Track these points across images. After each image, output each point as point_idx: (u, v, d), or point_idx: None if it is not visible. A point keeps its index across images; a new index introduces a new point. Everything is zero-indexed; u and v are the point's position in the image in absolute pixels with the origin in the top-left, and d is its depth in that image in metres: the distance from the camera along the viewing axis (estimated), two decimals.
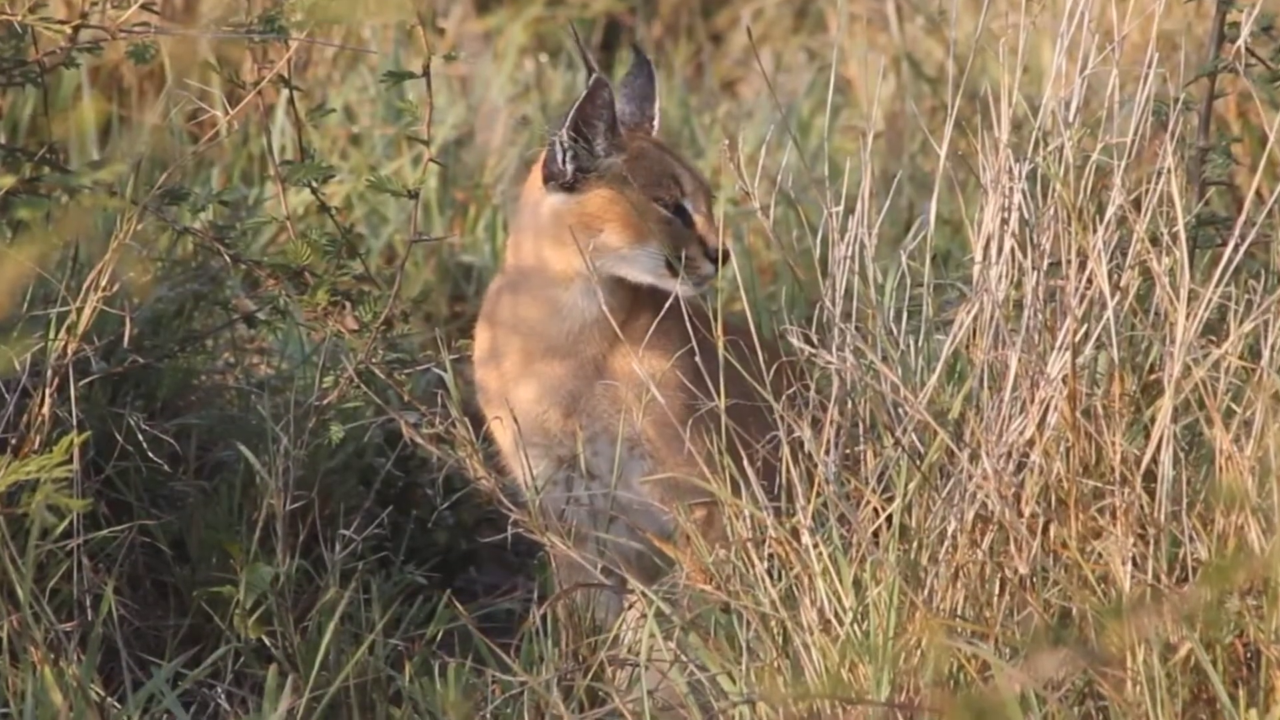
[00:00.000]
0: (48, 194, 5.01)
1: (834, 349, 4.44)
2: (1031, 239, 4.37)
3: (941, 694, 4.06)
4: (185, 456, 5.31)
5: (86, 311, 4.93)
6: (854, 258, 4.52)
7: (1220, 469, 4.15)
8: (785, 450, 4.36)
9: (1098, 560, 4.13)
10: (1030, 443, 4.24)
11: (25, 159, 5.03)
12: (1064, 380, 4.24)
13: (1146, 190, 4.33)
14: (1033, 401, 4.25)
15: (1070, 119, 4.41)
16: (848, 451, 4.44)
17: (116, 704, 4.65)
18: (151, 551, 5.23)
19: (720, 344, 4.49)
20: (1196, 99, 5.04)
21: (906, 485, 4.26)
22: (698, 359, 4.62)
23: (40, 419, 4.90)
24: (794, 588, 4.27)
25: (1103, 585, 4.12)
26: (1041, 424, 4.24)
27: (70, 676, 4.50)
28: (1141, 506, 4.16)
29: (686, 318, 4.67)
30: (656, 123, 4.86)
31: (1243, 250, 4.27)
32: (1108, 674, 4.01)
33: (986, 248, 4.41)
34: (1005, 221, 4.39)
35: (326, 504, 5.25)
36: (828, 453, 4.41)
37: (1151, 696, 4.00)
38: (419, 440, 4.81)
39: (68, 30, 4.94)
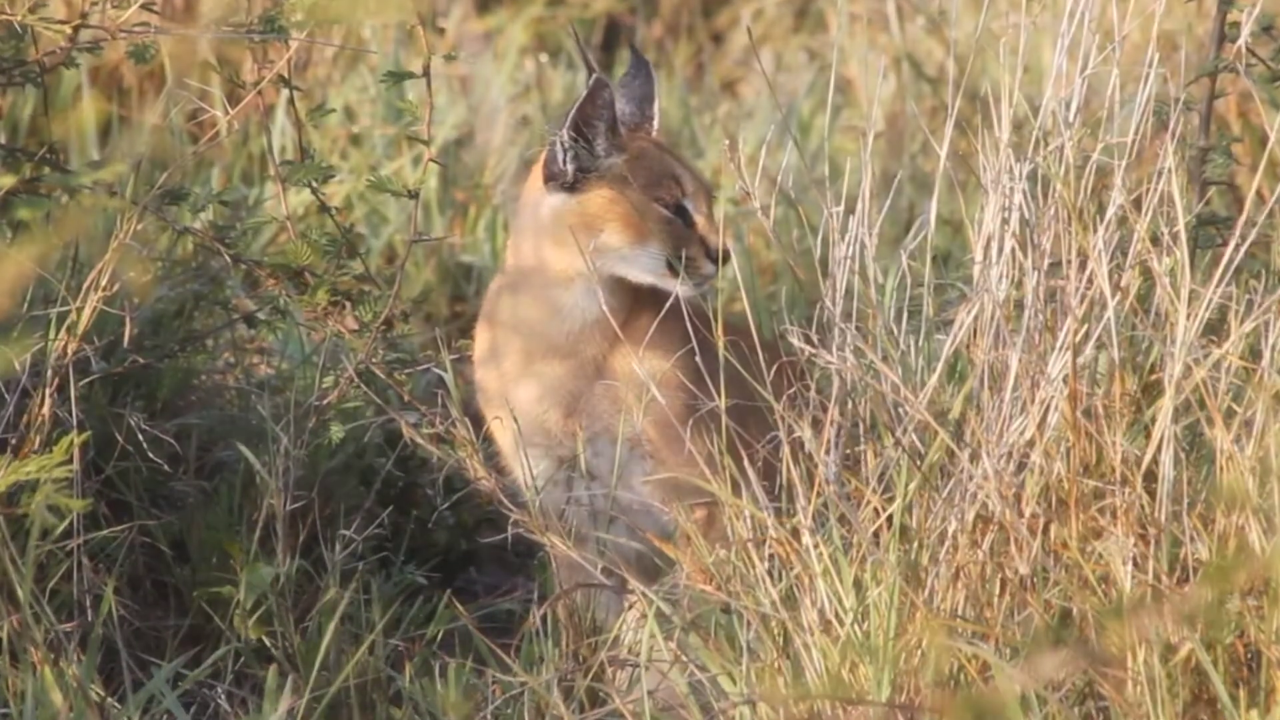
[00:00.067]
0: (48, 194, 5.01)
1: (834, 349, 4.44)
2: (1032, 239, 4.37)
3: (942, 694, 4.05)
4: (185, 456, 5.31)
5: (86, 311, 4.93)
6: (854, 258, 4.52)
7: (1221, 469, 4.15)
8: (786, 450, 4.36)
9: (1098, 560, 4.13)
10: (1031, 443, 4.24)
11: (25, 159, 5.03)
12: (1064, 380, 4.23)
13: (1147, 190, 4.33)
14: (1033, 402, 4.25)
15: (1071, 119, 4.41)
16: (848, 451, 4.44)
17: (116, 704, 4.65)
18: (151, 552, 5.23)
19: (721, 344, 4.49)
20: (1197, 99, 5.04)
21: (907, 485, 4.26)
22: (698, 359, 4.62)
23: (40, 419, 4.90)
24: (794, 588, 4.26)
25: (1103, 585, 4.12)
26: (1042, 424, 4.23)
27: (70, 677, 4.50)
28: (1142, 507, 4.16)
29: (687, 318, 4.67)
30: (656, 123, 4.86)
31: (1243, 250, 4.27)
32: (1108, 674, 4.01)
33: (987, 248, 4.41)
34: (1006, 221, 4.39)
35: (327, 504, 5.25)
36: (828, 453, 4.41)
37: (1152, 697, 4.00)
38: (419, 440, 4.81)
39: (68, 30, 4.94)
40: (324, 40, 5.52)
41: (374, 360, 5.09)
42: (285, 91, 5.13)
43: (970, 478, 4.23)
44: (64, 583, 4.85)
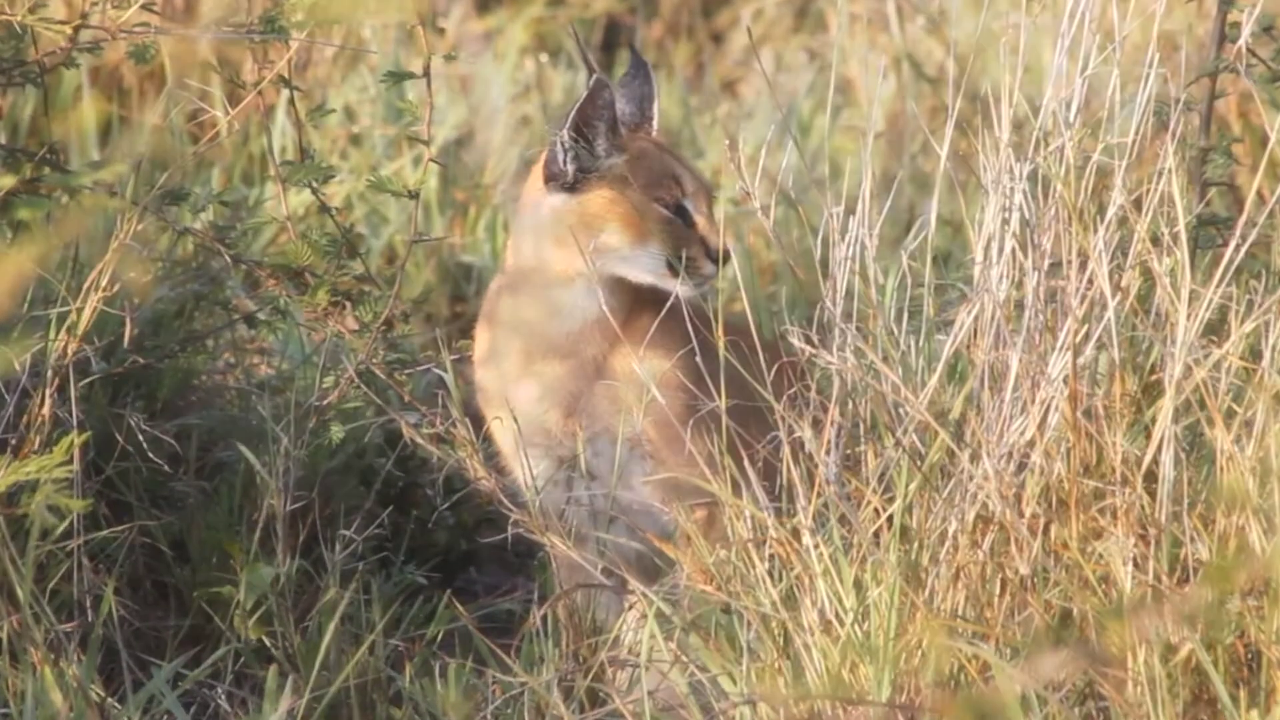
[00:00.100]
0: (48, 194, 5.01)
1: (835, 349, 4.44)
2: (1032, 239, 4.37)
3: (942, 694, 4.05)
4: (185, 457, 5.31)
5: (87, 312, 4.93)
6: (854, 258, 4.51)
7: (1221, 469, 4.15)
8: (786, 451, 4.36)
9: (1099, 561, 4.12)
10: (1031, 443, 4.24)
11: (25, 159, 5.03)
12: (1065, 381, 4.23)
13: (1147, 191, 4.33)
14: (1033, 402, 4.25)
15: (1071, 119, 4.41)
16: (848, 452, 4.44)
17: (116, 704, 4.65)
18: (152, 552, 5.23)
19: (721, 344, 4.49)
20: (1197, 99, 5.03)
21: (907, 485, 4.26)
22: (698, 359, 4.62)
23: (40, 419, 4.90)
24: (795, 588, 4.26)
25: (1104, 586, 4.12)
26: (1042, 424, 4.23)
27: (70, 677, 4.50)
28: (1142, 507, 4.16)
29: (687, 318, 4.67)
30: (656, 123, 4.86)
31: (1244, 251, 4.27)
32: (1108, 674, 4.01)
33: (987, 248, 4.41)
34: (1006, 222, 4.39)
35: (327, 504, 5.25)
36: (828, 453, 4.41)
37: (1152, 697, 4.00)
38: (419, 440, 4.81)
39: (68, 30, 4.94)
40: (324, 41, 5.51)
41: (374, 360, 5.09)
42: (285, 92, 5.13)
43: (970, 478, 4.23)
44: (64, 583, 4.84)
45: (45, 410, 4.90)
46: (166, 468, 5.20)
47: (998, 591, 4.20)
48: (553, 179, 4.74)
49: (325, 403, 5.16)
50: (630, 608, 4.78)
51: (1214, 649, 4.02)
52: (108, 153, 7.17)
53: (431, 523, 5.70)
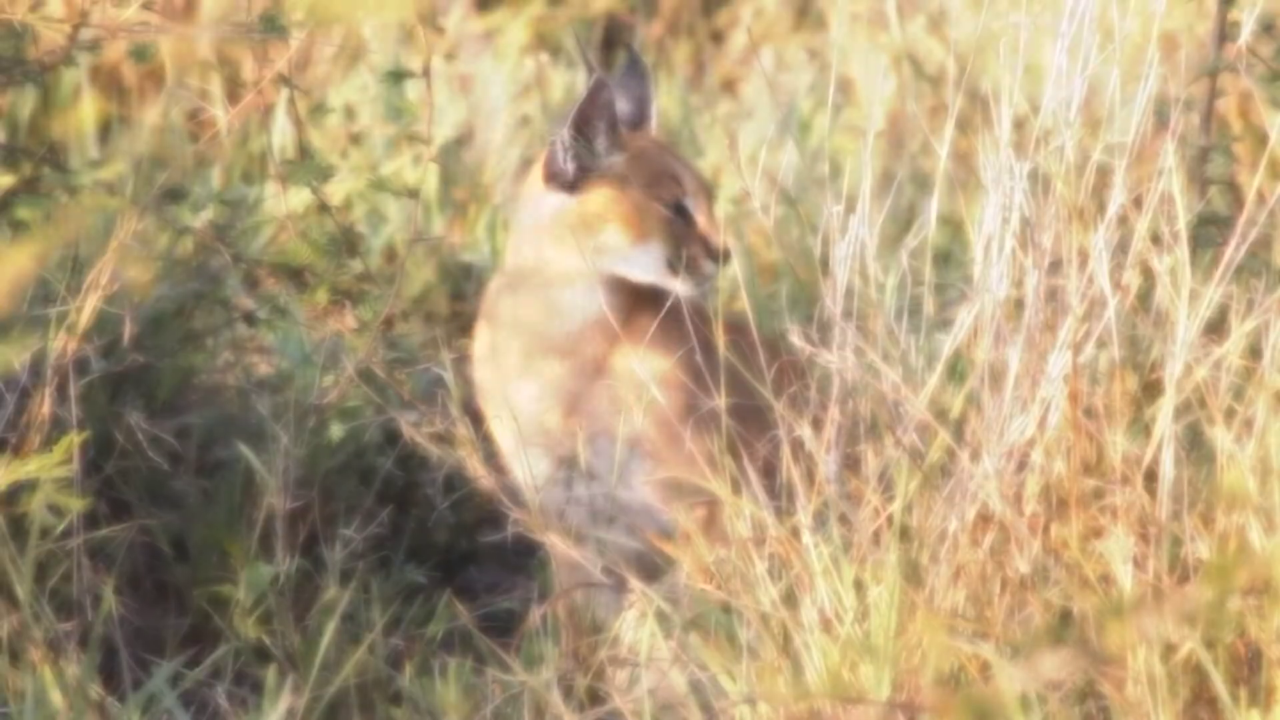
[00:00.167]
0: (47, 193, 5.01)
1: (835, 348, 4.44)
2: (1032, 238, 4.37)
3: (942, 693, 4.05)
4: (185, 456, 5.31)
5: (86, 311, 4.92)
6: (855, 257, 4.51)
7: (1222, 468, 4.14)
8: (786, 450, 4.36)
9: (1099, 560, 4.12)
10: (1031, 442, 4.24)
11: (25, 158, 5.03)
12: (1065, 379, 4.23)
13: (1147, 190, 4.32)
14: (1034, 401, 4.25)
15: (1071, 118, 4.40)
16: (848, 451, 4.44)
17: (116, 703, 4.65)
18: (151, 551, 5.23)
19: (721, 344, 4.49)
20: (1198, 98, 5.03)
21: (907, 485, 4.26)
22: (698, 358, 4.62)
23: (40, 418, 4.90)
24: (794, 587, 4.26)
25: (1104, 585, 4.12)
26: (1042, 423, 4.23)
27: (70, 676, 4.50)
28: (1143, 506, 4.16)
29: (687, 317, 4.67)
30: (654, 122, 4.86)
31: (1244, 249, 4.27)
32: (1109, 673, 4.01)
33: (987, 247, 4.41)
34: (1006, 220, 4.39)
35: (326, 503, 5.25)
36: (828, 452, 4.41)
37: (1152, 696, 4.00)
38: (419, 440, 4.81)
39: (67, 29, 4.94)
40: (324, 40, 5.51)
41: (374, 359, 5.09)
42: (285, 90, 5.13)
43: (970, 477, 4.23)
44: (64, 582, 4.84)
45: (45, 409, 4.90)
46: (166, 467, 5.20)
47: (998, 590, 4.20)
48: (553, 178, 4.74)
49: (325, 402, 5.16)
50: (630, 606, 4.78)
51: (1214, 648, 4.02)
52: (107, 152, 7.17)
53: (431, 522, 5.70)
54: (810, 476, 4.33)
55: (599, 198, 4.72)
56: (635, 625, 4.68)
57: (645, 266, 4.71)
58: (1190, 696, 4.03)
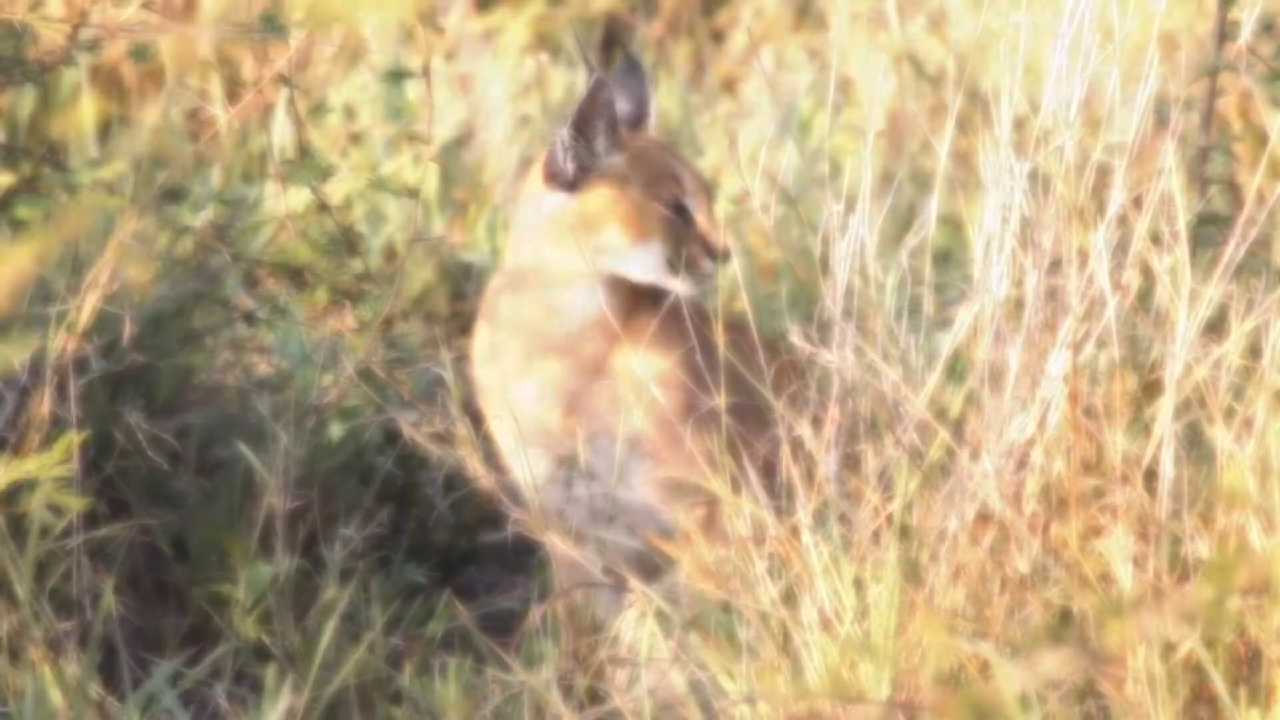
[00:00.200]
0: (47, 193, 5.01)
1: (834, 347, 4.44)
2: (1032, 238, 4.37)
3: (942, 693, 4.05)
4: (185, 455, 5.31)
5: (86, 310, 4.92)
6: (855, 256, 4.51)
7: (1221, 468, 4.14)
8: (785, 449, 4.36)
9: (1098, 559, 4.12)
10: (1031, 441, 4.24)
11: (25, 158, 5.03)
12: (1065, 379, 4.23)
13: (1147, 189, 4.32)
14: (1033, 400, 4.25)
15: (1071, 118, 4.40)
16: (848, 450, 4.44)
17: (116, 703, 4.65)
18: (151, 550, 5.23)
19: (721, 344, 4.49)
20: (1198, 98, 5.03)
21: (907, 484, 4.26)
22: (698, 358, 4.62)
23: (40, 418, 4.90)
24: (794, 587, 4.26)
25: (1103, 584, 4.12)
26: (1042, 423, 4.23)
27: (70, 675, 4.50)
28: (1142, 505, 4.16)
29: (687, 317, 4.67)
30: (652, 121, 4.86)
31: (1244, 249, 4.27)
32: (1108, 673, 4.01)
33: (987, 246, 4.41)
34: (1006, 220, 4.39)
35: (326, 503, 5.25)
36: (828, 451, 4.41)
37: (1152, 695, 4.00)
38: (419, 439, 4.81)
39: (67, 28, 4.94)
40: (324, 40, 5.51)
41: (373, 359, 5.09)
42: (285, 90, 5.13)
43: (970, 476, 4.23)
44: (63, 581, 4.84)
45: (45, 408, 4.90)
46: (166, 466, 5.20)
47: (997, 590, 4.20)
48: (553, 178, 4.75)
49: (325, 401, 5.16)
50: (630, 606, 4.78)
51: (1214, 647, 4.02)
52: (107, 151, 7.17)
53: (431, 522, 5.70)
54: (810, 476, 4.33)
55: (599, 197, 4.72)
56: (635, 625, 4.68)
57: (645, 266, 4.71)
58: (1190, 696, 4.03)
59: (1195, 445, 4.28)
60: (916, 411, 4.30)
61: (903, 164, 7.45)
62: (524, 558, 5.77)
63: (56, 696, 4.48)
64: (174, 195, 5.04)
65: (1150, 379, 4.34)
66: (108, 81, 7.57)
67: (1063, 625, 4.12)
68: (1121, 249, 4.34)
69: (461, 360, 4.95)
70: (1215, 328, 4.28)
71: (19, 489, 4.66)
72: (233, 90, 5.35)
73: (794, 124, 7.74)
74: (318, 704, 4.69)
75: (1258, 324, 4.20)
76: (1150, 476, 4.18)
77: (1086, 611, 4.09)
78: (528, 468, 4.73)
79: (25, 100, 7.02)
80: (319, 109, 5.20)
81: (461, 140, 7.50)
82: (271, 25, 4.94)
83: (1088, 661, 3.92)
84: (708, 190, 4.79)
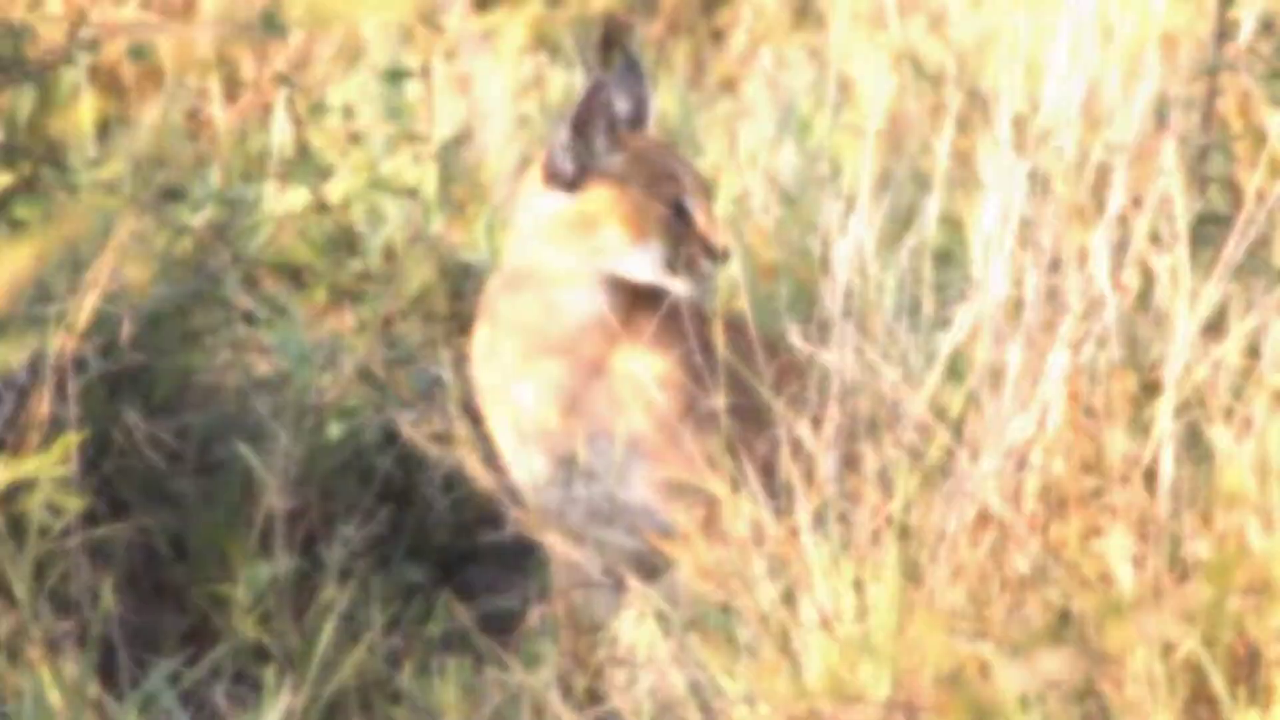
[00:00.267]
0: (46, 192, 5.00)
1: (835, 348, 4.44)
2: (1032, 237, 4.37)
3: (942, 693, 4.05)
4: (184, 455, 5.30)
5: (85, 310, 4.92)
6: (854, 256, 4.51)
7: (1220, 467, 4.14)
8: (785, 449, 4.36)
9: (1098, 559, 4.12)
10: (1030, 441, 4.23)
11: (24, 157, 5.02)
12: (1064, 379, 4.23)
13: (1147, 189, 4.32)
14: (1033, 400, 4.25)
15: (1071, 118, 4.40)
16: (848, 450, 4.43)
17: (115, 703, 4.65)
18: (150, 550, 5.23)
19: (720, 344, 4.49)
20: (1198, 98, 5.03)
21: (906, 484, 4.26)
22: (698, 358, 4.62)
23: (39, 417, 4.90)
24: (794, 587, 4.26)
25: (1103, 584, 4.12)
26: (1042, 423, 4.23)
27: (68, 675, 4.50)
28: (1142, 505, 4.16)
29: (686, 317, 4.67)
30: (651, 121, 4.86)
31: (1243, 248, 4.26)
32: (1108, 673, 4.00)
33: (987, 246, 4.40)
34: (1006, 220, 4.38)
35: (325, 503, 5.25)
36: (827, 451, 4.40)
37: (1152, 695, 4.00)
38: (418, 439, 4.81)
39: (66, 28, 4.94)
40: (324, 40, 5.51)
41: (373, 358, 5.09)
42: (284, 89, 5.13)
43: (970, 476, 4.22)
44: (62, 581, 4.84)
45: (43, 408, 4.90)
46: (165, 466, 5.20)
47: (997, 590, 4.19)
48: (552, 178, 4.74)
49: (324, 401, 5.16)
50: (629, 606, 4.78)
51: (1213, 647, 4.02)
52: (106, 151, 7.16)
53: (430, 521, 5.70)
54: (809, 476, 4.33)
55: (598, 197, 4.72)
56: (634, 625, 4.67)
57: (644, 266, 4.71)
58: (1189, 696, 4.03)
59: (1195, 445, 4.28)
60: (916, 411, 4.30)
61: (903, 164, 7.45)
62: (523, 558, 5.76)
63: (55, 696, 4.48)
64: (173, 195, 5.04)
65: (1150, 379, 4.33)
66: (107, 81, 7.56)
67: (1062, 625, 4.11)
68: (1121, 249, 4.33)
69: (461, 360, 4.95)
70: (1215, 328, 4.28)
71: (18, 489, 4.66)
72: (232, 90, 5.34)
73: (794, 124, 7.74)
74: (317, 704, 4.69)
75: (1257, 324, 4.20)
76: (1150, 476, 4.18)
77: (1086, 611, 4.09)
78: (527, 468, 4.73)
79: (24, 100, 7.01)
80: (318, 109, 5.20)
81: (461, 140, 7.50)
82: (271, 25, 4.94)
83: (1087, 661, 3.92)
84: (707, 190, 4.79)
